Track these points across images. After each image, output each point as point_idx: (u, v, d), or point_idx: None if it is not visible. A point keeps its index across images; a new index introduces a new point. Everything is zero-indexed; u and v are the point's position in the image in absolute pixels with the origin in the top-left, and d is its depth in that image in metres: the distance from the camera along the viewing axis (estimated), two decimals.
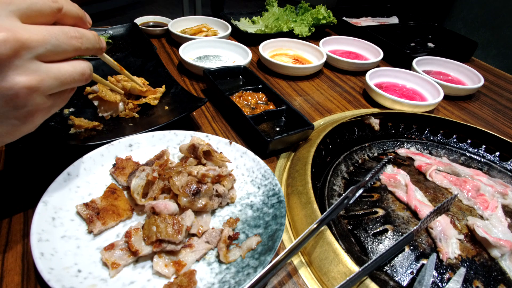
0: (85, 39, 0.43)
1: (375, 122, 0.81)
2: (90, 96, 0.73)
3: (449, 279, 0.49)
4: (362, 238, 0.54)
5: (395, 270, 0.50)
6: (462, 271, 0.50)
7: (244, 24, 1.37)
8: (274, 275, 0.49)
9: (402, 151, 0.76)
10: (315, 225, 0.49)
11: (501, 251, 0.52)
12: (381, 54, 1.16)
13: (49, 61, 0.40)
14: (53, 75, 0.40)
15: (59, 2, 0.41)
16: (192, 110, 0.76)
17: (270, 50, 1.14)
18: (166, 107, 0.77)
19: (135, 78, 0.74)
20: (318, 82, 1.06)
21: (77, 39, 0.42)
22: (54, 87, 0.41)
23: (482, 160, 0.78)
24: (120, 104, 0.73)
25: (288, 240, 0.55)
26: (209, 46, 1.09)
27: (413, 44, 1.45)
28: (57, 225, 0.47)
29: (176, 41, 1.16)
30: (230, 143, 0.64)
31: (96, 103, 0.74)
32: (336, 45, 1.26)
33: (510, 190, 0.65)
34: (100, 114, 0.72)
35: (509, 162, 0.77)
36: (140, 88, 0.75)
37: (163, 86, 0.81)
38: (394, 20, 1.68)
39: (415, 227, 0.50)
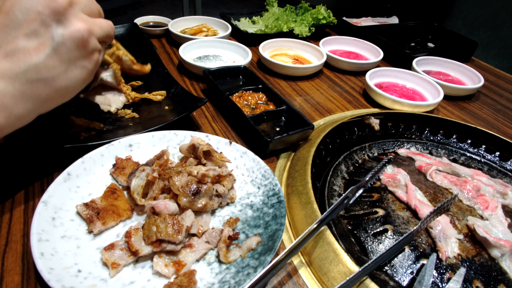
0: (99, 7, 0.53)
1: (375, 122, 0.81)
2: (82, 96, 0.74)
3: (449, 279, 0.49)
4: (362, 238, 0.54)
5: (395, 270, 0.50)
6: (462, 271, 0.50)
7: (244, 24, 1.37)
8: (274, 275, 0.49)
9: (402, 151, 0.75)
10: (315, 225, 0.49)
11: (501, 251, 0.52)
12: (381, 54, 1.16)
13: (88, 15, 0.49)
14: (98, 24, 0.51)
15: None
16: (192, 110, 0.76)
17: (270, 50, 1.14)
18: (166, 107, 0.77)
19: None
20: (318, 82, 1.06)
21: (95, 4, 0.52)
22: (101, 34, 0.51)
23: (482, 160, 0.78)
24: (122, 96, 0.73)
25: (288, 240, 0.55)
26: (209, 46, 1.09)
27: (413, 44, 1.45)
28: (57, 225, 0.47)
29: (176, 41, 1.16)
30: (230, 143, 0.64)
31: (98, 98, 0.74)
32: (336, 45, 1.26)
33: (510, 190, 0.65)
34: (105, 109, 0.73)
35: (509, 162, 0.77)
36: (132, 58, 0.77)
37: (164, 92, 0.81)
38: (394, 20, 1.68)
39: (415, 227, 0.50)
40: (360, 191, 0.59)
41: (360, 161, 0.74)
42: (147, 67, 0.79)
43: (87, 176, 0.56)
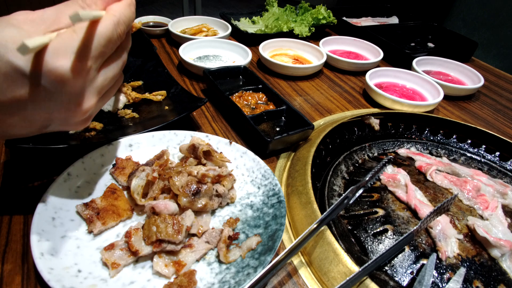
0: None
1: (375, 122, 0.81)
2: None
3: (449, 279, 0.49)
4: (362, 238, 0.54)
5: (395, 270, 0.50)
6: (462, 271, 0.50)
7: (244, 24, 1.37)
8: (274, 275, 0.49)
9: (402, 151, 0.75)
10: (315, 225, 0.49)
11: (501, 251, 0.52)
12: (381, 54, 1.16)
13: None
14: (106, 84, 0.42)
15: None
16: (192, 110, 0.76)
17: (270, 50, 1.14)
18: (166, 107, 0.77)
19: None
20: (318, 82, 1.06)
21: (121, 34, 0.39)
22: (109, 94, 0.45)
23: (482, 160, 0.78)
24: (122, 96, 0.74)
25: (288, 240, 0.55)
26: (209, 46, 1.09)
27: (413, 44, 1.44)
28: (57, 225, 0.47)
29: (176, 41, 1.16)
30: (230, 143, 0.64)
31: None
32: (336, 45, 1.26)
33: (510, 190, 0.65)
34: (105, 109, 0.73)
35: (509, 162, 0.77)
36: None
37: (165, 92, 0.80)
38: (394, 20, 1.68)
39: (415, 227, 0.50)
40: (360, 191, 0.59)
41: (360, 161, 0.74)
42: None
43: (87, 176, 0.56)
